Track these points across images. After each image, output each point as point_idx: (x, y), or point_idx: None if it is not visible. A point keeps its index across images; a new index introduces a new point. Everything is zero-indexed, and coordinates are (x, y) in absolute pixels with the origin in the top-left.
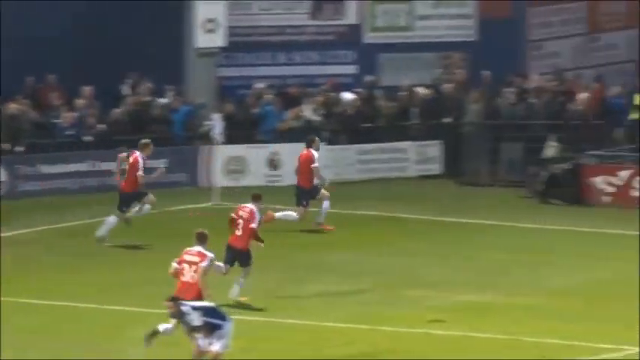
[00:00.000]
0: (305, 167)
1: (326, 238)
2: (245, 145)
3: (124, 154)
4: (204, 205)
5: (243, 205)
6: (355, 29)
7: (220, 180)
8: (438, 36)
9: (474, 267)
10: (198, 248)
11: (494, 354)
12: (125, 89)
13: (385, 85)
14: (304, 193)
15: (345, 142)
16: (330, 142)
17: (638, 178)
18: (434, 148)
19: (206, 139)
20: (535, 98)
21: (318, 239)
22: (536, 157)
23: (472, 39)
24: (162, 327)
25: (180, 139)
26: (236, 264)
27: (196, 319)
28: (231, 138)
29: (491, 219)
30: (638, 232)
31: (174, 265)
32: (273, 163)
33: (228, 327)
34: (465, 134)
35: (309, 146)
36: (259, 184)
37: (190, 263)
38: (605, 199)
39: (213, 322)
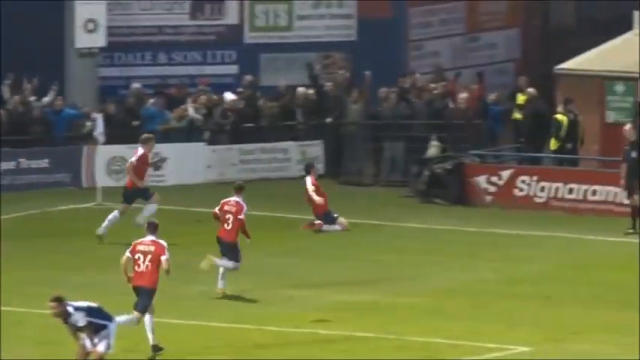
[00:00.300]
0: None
1: (208, 238)
2: (127, 146)
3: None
4: (87, 205)
5: (226, 199)
6: (236, 29)
7: (103, 180)
8: (318, 36)
9: (359, 267)
10: (151, 238)
11: (380, 354)
12: (4, 90)
13: (265, 85)
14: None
15: (228, 142)
16: (213, 142)
17: (519, 177)
18: (316, 148)
19: (88, 139)
20: (416, 98)
21: (199, 239)
22: (418, 156)
23: (352, 39)
24: (122, 318)
25: (61, 140)
26: None
27: (81, 320)
28: (113, 138)
29: (374, 219)
30: (519, 232)
31: (128, 255)
32: (155, 164)
33: (113, 327)
34: (347, 134)
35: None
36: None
37: (145, 253)
38: (488, 198)
39: (97, 322)
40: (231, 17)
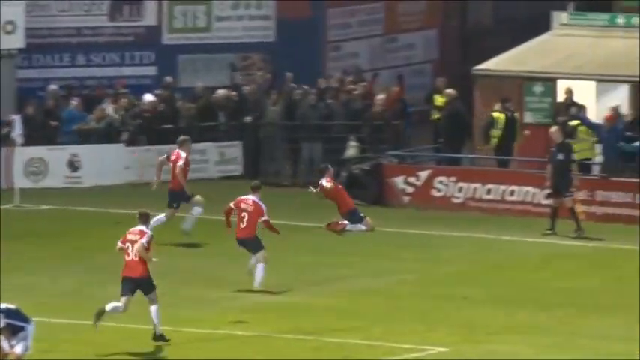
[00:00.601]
0: None
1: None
2: (45, 147)
3: (164, 157)
4: (6, 207)
5: (243, 197)
6: (154, 30)
7: (21, 182)
8: (236, 37)
9: (277, 268)
10: (140, 227)
11: (298, 354)
12: None
13: (184, 86)
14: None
15: (146, 144)
16: (131, 144)
17: (437, 178)
18: (234, 149)
19: (6, 140)
20: (333, 99)
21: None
22: (336, 157)
23: (271, 40)
24: (109, 306)
25: None
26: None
27: None
28: (31, 139)
29: (293, 220)
30: (437, 232)
31: (119, 244)
32: (73, 165)
33: (30, 329)
34: (265, 135)
35: None
36: (59, 186)
37: (133, 242)
38: (406, 199)
39: (15, 323)
40: (149, 18)
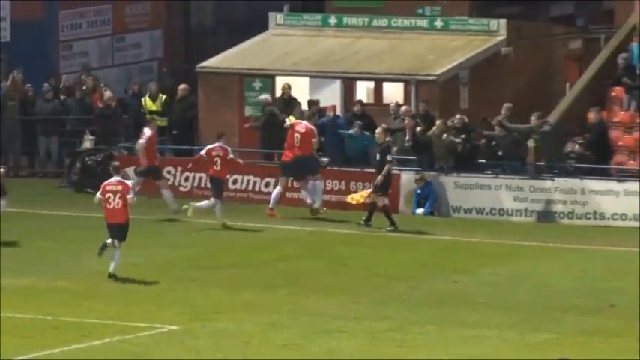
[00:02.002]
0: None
1: None
2: None
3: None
4: None
5: (210, 146)
6: None
7: None
8: None
9: (18, 254)
10: (116, 178)
11: (35, 333)
12: None
13: None
14: None
15: None
16: None
17: (165, 168)
18: None
19: None
20: (67, 95)
21: None
22: (71, 149)
23: (7, 40)
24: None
25: None
26: None
27: None
28: None
29: (33, 208)
30: (168, 218)
31: (99, 196)
32: None
33: None
34: (4, 129)
35: None
36: None
37: (114, 193)
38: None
39: None
40: None
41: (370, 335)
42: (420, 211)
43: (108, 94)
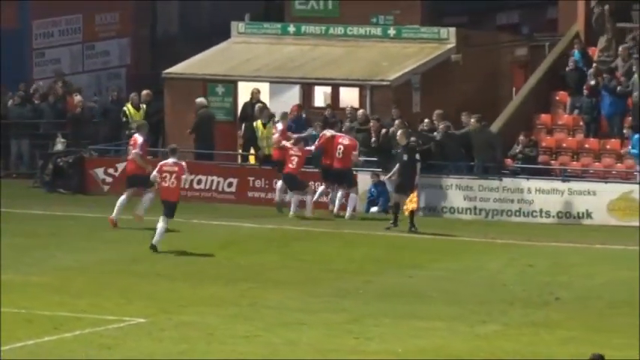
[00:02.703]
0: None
1: None
2: None
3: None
4: None
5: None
6: None
7: None
8: None
9: None
10: (172, 160)
11: (8, 326)
12: None
13: None
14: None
15: None
16: None
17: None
18: None
19: None
20: (41, 100)
21: None
22: (44, 151)
23: None
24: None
25: None
26: None
27: None
28: None
29: (6, 207)
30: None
31: (155, 173)
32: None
33: None
34: None
35: None
36: None
37: (170, 173)
38: (105, 188)
39: None
40: None
41: (327, 327)
42: (374, 209)
43: (78, 98)
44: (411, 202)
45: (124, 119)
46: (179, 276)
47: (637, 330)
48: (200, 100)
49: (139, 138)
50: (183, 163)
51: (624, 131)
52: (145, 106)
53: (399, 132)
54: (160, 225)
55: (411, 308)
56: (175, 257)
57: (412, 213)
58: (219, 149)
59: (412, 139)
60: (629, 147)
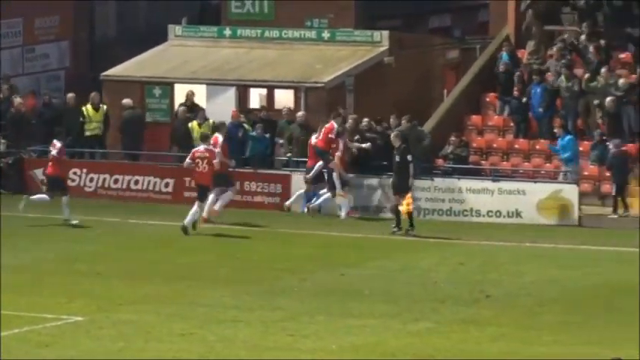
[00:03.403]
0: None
1: None
2: None
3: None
4: None
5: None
6: None
7: None
8: None
9: None
10: (204, 146)
11: None
12: None
13: None
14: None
15: None
16: None
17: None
18: None
19: None
20: None
21: None
22: None
23: None
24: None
25: None
26: None
27: None
28: None
29: None
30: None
31: (188, 161)
32: None
33: None
34: None
35: None
36: None
37: (202, 159)
38: (44, 188)
39: None
40: None
41: (263, 325)
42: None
43: (18, 100)
44: (407, 205)
45: (82, 119)
46: (117, 275)
47: (565, 327)
48: (126, 100)
49: (219, 137)
50: (214, 149)
51: (555, 131)
52: (104, 107)
53: (393, 134)
54: (194, 208)
55: (345, 306)
56: (114, 256)
57: (410, 214)
58: (157, 150)
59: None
60: (557, 145)
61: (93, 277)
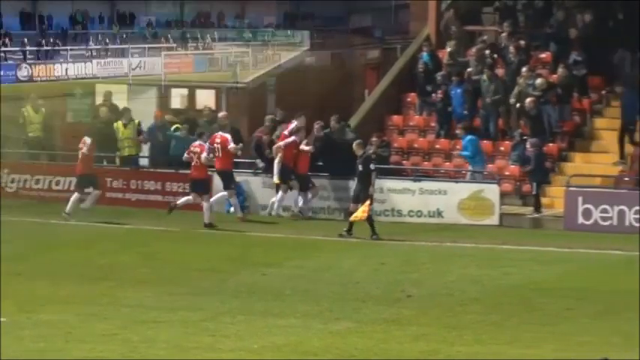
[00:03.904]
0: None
1: None
2: None
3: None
4: None
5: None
6: None
7: None
8: None
9: None
10: (199, 142)
11: None
12: None
13: None
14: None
15: None
16: None
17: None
18: None
19: None
20: None
21: None
22: None
23: None
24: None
25: None
26: None
27: None
28: None
29: None
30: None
31: (186, 156)
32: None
33: None
34: None
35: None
36: None
37: (195, 153)
38: None
39: None
40: None
41: (185, 325)
42: (232, 209)
43: None
44: (362, 212)
45: (22, 121)
46: (38, 275)
47: (486, 326)
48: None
49: (228, 137)
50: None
51: (457, 132)
52: (43, 109)
53: (355, 143)
54: (203, 205)
55: (266, 306)
56: (35, 257)
57: (370, 220)
58: (67, 150)
59: (371, 151)
60: (462, 149)
61: (13, 277)
